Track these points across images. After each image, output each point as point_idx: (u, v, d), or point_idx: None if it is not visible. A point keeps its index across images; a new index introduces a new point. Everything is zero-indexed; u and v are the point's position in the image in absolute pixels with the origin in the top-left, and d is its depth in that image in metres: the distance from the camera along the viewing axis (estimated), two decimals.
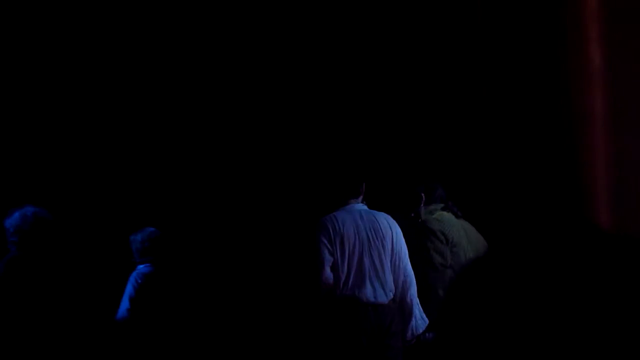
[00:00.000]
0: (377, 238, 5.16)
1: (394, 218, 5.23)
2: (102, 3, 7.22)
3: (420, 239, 5.29)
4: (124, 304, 6.29)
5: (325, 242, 5.13)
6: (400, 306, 5.16)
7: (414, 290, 5.17)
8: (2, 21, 7.00)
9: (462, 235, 5.57)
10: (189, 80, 7.35)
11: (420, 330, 5.14)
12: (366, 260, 5.15)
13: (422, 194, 5.62)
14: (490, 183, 6.60)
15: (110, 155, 7.22)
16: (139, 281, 6.35)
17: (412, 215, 5.56)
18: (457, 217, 5.64)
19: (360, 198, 5.28)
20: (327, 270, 5.10)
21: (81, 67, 7.21)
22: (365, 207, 5.27)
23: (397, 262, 5.18)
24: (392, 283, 5.15)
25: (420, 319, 5.15)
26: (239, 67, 7.34)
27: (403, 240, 5.20)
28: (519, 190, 6.35)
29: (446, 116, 6.97)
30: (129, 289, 6.34)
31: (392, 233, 5.19)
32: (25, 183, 6.73)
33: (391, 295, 5.14)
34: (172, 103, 7.37)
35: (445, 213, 5.63)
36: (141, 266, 6.42)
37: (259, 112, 7.33)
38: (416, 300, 5.17)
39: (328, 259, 5.11)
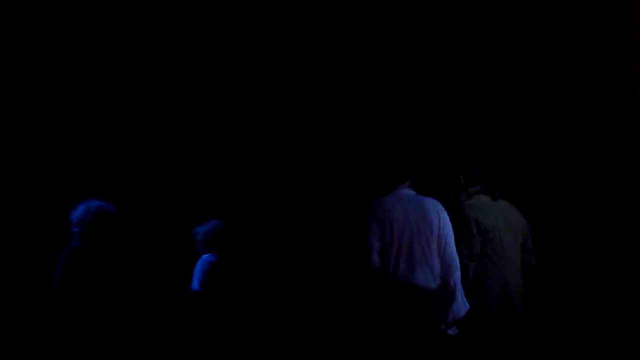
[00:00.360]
0: (425, 223, 5.22)
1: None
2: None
3: (455, 226, 5.35)
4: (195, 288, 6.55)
5: (375, 227, 5.15)
6: (444, 289, 5.22)
7: (458, 274, 5.23)
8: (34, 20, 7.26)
9: (498, 218, 5.63)
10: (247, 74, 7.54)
11: (462, 315, 5.20)
12: (415, 246, 5.19)
13: (461, 177, 5.70)
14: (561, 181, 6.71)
15: (174, 150, 7.45)
16: (207, 268, 6.59)
17: (452, 197, 5.64)
18: (494, 199, 5.69)
19: (408, 183, 5.36)
20: (375, 256, 5.15)
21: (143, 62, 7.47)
22: (413, 192, 5.35)
23: (443, 247, 5.24)
24: (439, 268, 5.22)
25: (462, 304, 5.21)
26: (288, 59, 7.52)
27: (450, 225, 5.27)
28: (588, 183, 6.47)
29: (502, 104, 7.04)
30: (197, 275, 6.58)
31: (439, 218, 5.26)
32: (91, 178, 6.99)
33: (439, 280, 5.21)
34: (232, 95, 7.56)
35: (482, 196, 5.68)
36: (206, 255, 6.66)
37: (310, 102, 7.48)
38: (460, 285, 5.24)
39: (376, 245, 5.16)
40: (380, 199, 5.30)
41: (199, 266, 6.65)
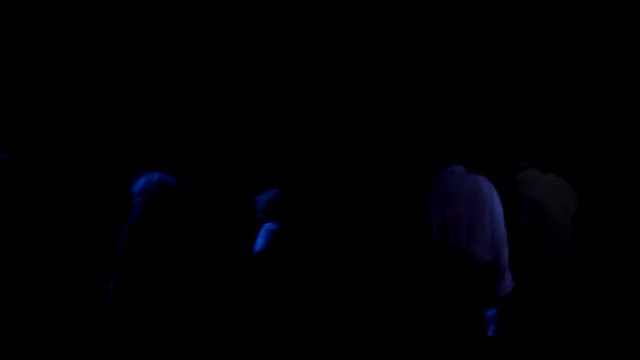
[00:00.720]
0: (478, 198, 5.25)
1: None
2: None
3: (503, 200, 5.36)
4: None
5: (434, 202, 5.21)
6: (495, 266, 5.25)
7: (506, 250, 5.26)
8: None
9: (547, 192, 5.62)
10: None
11: (509, 291, 5.23)
12: (473, 220, 5.23)
13: (515, 151, 5.71)
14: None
15: (233, 119, 7.56)
16: (270, 236, 6.63)
17: (504, 172, 5.66)
18: (544, 172, 5.69)
19: (460, 160, 5.40)
20: (435, 230, 5.19)
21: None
22: (465, 168, 5.38)
23: (494, 223, 5.27)
24: (491, 244, 5.25)
25: (509, 280, 5.24)
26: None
27: (499, 201, 5.29)
28: None
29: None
30: (260, 242, 6.64)
31: (490, 194, 5.28)
32: (151, 149, 7.15)
33: (492, 256, 5.24)
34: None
35: (532, 169, 5.69)
36: (268, 224, 6.71)
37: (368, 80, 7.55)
38: (507, 262, 5.27)
39: (437, 220, 5.22)
40: (436, 174, 5.33)
41: (261, 233, 6.70)
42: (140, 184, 5.67)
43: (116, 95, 7.49)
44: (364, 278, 7.21)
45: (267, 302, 6.60)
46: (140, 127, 7.46)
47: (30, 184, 5.32)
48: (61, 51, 7.37)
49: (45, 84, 7.32)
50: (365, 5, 7.49)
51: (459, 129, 5.48)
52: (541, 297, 5.55)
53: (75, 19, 7.37)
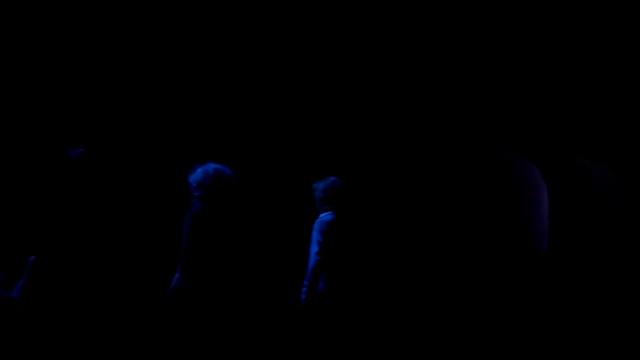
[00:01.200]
0: (533, 187, 5.25)
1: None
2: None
3: (556, 187, 5.38)
4: (313, 249, 6.50)
5: (496, 186, 5.24)
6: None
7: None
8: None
9: (599, 181, 5.64)
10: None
11: None
12: (530, 208, 5.22)
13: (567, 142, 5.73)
14: None
15: (289, 109, 7.60)
16: (324, 228, 6.56)
17: (556, 160, 5.66)
18: (596, 163, 5.70)
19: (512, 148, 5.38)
20: (495, 214, 5.21)
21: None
22: (518, 155, 5.36)
23: (545, 209, 5.28)
24: (543, 233, 5.25)
25: None
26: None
27: (546, 188, 5.32)
28: None
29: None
30: (315, 236, 6.55)
31: (542, 181, 5.28)
32: (208, 140, 7.23)
33: (546, 243, 5.24)
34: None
35: (585, 159, 5.71)
36: (323, 214, 6.64)
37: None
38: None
39: (494, 207, 5.20)
40: (495, 159, 5.31)
41: (316, 226, 6.62)
42: (196, 175, 5.74)
43: (172, 87, 7.58)
44: (427, 270, 7.21)
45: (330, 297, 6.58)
46: (195, 117, 7.54)
47: (102, 175, 5.73)
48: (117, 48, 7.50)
49: (95, 80, 7.46)
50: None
51: (514, 118, 5.49)
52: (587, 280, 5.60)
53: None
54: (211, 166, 5.77)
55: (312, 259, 6.48)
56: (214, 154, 6.16)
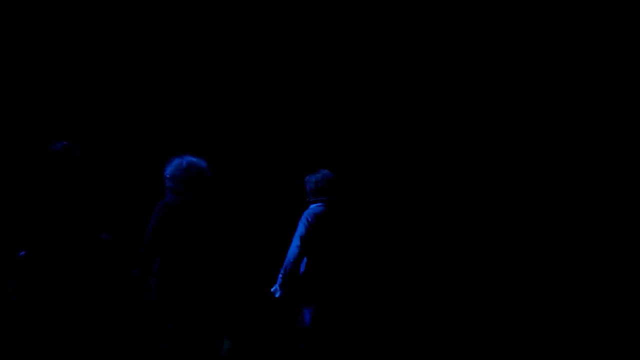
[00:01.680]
0: None
1: None
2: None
3: None
4: (295, 241, 6.56)
5: None
6: None
7: None
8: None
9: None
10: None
11: None
12: None
13: None
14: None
15: (284, 104, 7.64)
16: (310, 220, 6.59)
17: None
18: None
19: None
20: None
21: None
22: None
23: None
24: None
25: None
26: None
27: None
28: None
29: None
30: (300, 228, 6.60)
31: None
32: (190, 133, 7.31)
33: None
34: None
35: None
36: (313, 205, 6.68)
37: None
38: None
39: None
40: None
41: (303, 217, 6.65)
42: (170, 168, 5.78)
43: (155, 82, 7.66)
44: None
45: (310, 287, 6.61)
46: (182, 110, 7.62)
47: (85, 167, 5.81)
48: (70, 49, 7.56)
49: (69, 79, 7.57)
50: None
51: None
52: None
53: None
54: (186, 159, 5.80)
55: (292, 251, 6.57)
56: (202, 147, 6.24)
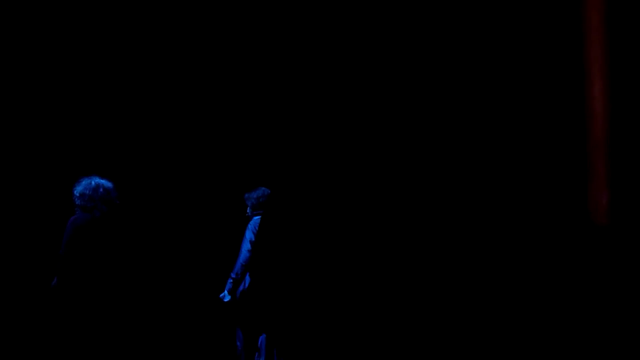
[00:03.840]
0: None
1: None
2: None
3: None
4: (245, 246, 7.20)
5: None
6: None
7: None
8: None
9: None
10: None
11: None
12: None
13: None
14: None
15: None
16: (256, 228, 7.17)
17: None
18: None
19: None
20: None
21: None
22: None
23: None
24: None
25: None
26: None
27: None
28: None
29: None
30: (248, 235, 7.25)
31: None
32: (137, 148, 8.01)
33: None
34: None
35: None
36: (257, 217, 7.32)
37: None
38: None
39: None
40: None
41: (250, 227, 7.29)
42: (79, 187, 6.46)
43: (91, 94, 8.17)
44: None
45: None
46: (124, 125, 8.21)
47: None
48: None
49: None
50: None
51: None
52: None
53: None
54: (94, 179, 6.48)
55: (243, 254, 7.20)
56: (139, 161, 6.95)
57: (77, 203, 6.48)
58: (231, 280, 7.22)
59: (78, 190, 6.50)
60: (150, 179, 8.16)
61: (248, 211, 7.53)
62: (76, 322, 6.26)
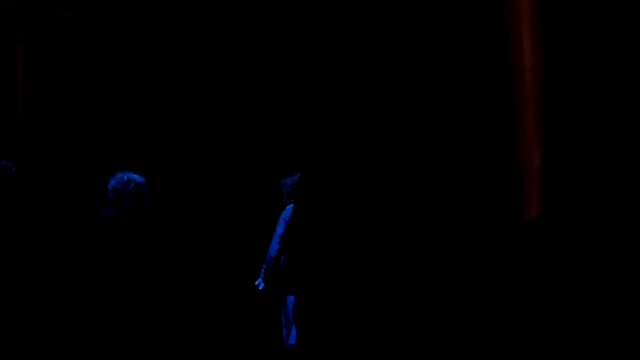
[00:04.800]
0: None
1: None
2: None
3: None
4: (275, 239, 7.17)
5: None
6: None
7: None
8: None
9: None
10: None
11: None
12: None
13: None
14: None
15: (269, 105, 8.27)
16: (287, 219, 7.10)
17: None
18: None
19: None
20: None
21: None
22: None
23: None
24: None
25: None
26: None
27: None
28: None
29: None
30: (278, 228, 7.19)
31: None
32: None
33: None
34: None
35: None
36: (290, 206, 7.21)
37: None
38: None
39: None
40: None
41: (280, 218, 7.24)
42: (112, 181, 6.60)
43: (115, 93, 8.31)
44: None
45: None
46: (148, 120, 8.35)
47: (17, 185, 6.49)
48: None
49: None
50: None
51: None
52: None
53: None
54: (127, 174, 6.60)
55: (273, 247, 7.19)
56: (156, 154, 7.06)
57: (109, 196, 6.64)
58: (263, 270, 7.30)
59: (111, 184, 6.65)
60: (182, 171, 8.23)
61: (285, 197, 7.48)
62: (97, 313, 6.42)
